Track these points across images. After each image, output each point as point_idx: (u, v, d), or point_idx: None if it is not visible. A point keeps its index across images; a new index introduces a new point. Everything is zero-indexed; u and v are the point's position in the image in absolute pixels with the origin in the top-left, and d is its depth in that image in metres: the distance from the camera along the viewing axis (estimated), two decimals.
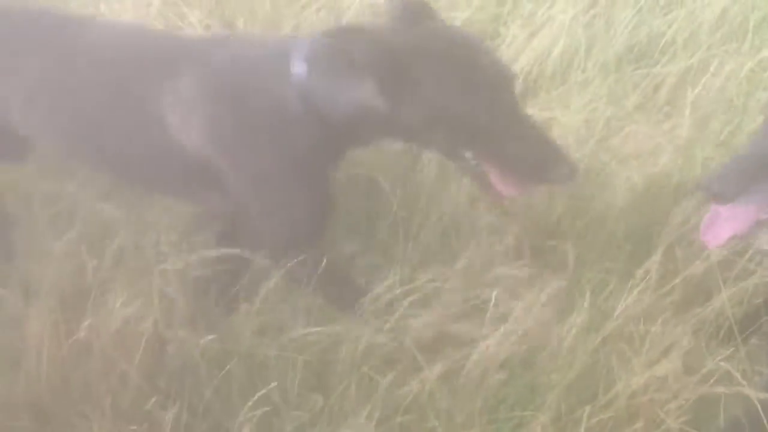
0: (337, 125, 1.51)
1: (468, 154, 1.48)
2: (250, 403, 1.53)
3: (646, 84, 2.25)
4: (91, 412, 1.57)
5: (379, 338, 1.59)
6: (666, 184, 1.87)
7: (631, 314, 1.63)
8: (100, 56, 1.64)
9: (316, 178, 1.60)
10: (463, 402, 1.58)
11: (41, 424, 1.59)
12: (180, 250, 1.68)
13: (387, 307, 1.61)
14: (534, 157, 1.44)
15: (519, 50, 2.31)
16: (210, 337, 1.58)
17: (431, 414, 1.57)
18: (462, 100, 1.42)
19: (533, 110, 2.06)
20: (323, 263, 1.60)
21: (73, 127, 1.67)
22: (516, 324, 1.61)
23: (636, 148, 1.96)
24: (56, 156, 1.88)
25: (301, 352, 1.65)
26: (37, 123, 1.69)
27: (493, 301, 1.60)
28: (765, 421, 1.40)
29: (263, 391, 1.52)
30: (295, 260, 1.58)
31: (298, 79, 1.49)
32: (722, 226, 1.34)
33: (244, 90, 1.53)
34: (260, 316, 1.65)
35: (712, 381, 1.51)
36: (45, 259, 1.67)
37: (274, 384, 1.59)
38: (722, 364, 1.52)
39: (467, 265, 1.72)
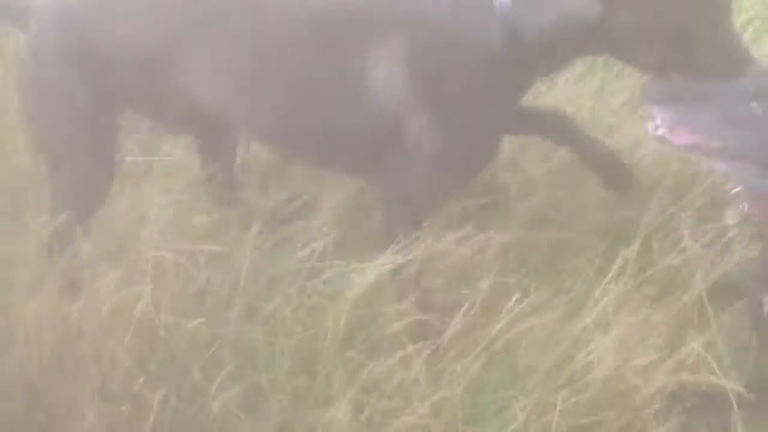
0: (539, 50, 1.50)
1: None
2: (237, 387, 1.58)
3: (633, 83, 2.28)
4: (81, 394, 1.61)
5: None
6: (645, 177, 1.91)
7: (610, 303, 1.66)
8: (296, 21, 1.60)
9: (507, 115, 1.63)
10: (446, 386, 1.62)
11: (33, 405, 1.64)
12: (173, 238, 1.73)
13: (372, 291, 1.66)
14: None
15: None
16: (198, 320, 1.62)
17: (415, 398, 1.61)
18: (685, 3, 1.41)
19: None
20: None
21: (265, 99, 1.63)
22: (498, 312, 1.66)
23: (618, 142, 2.00)
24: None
25: (289, 338, 1.70)
26: (225, 95, 1.64)
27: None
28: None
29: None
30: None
31: (501, 10, 1.49)
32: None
33: (447, 32, 1.53)
34: (247, 300, 1.70)
35: (685, 366, 1.56)
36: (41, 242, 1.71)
37: (261, 368, 1.65)
38: (699, 351, 1.57)
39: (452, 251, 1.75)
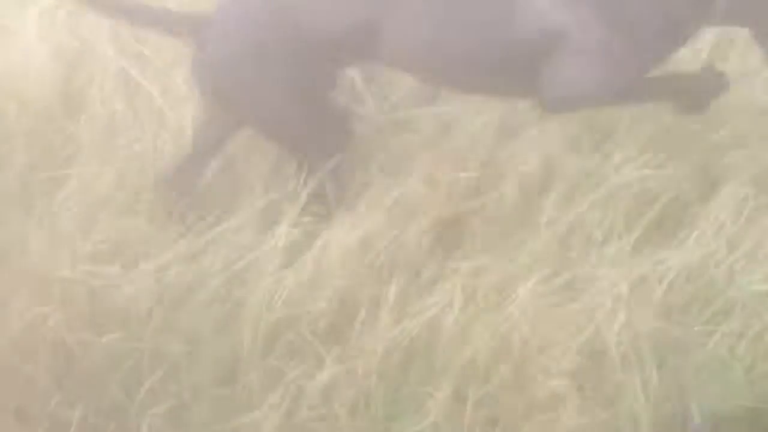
0: None
1: None
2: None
3: None
4: None
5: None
6: (550, 176, 1.99)
7: (522, 296, 1.73)
8: None
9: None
10: (365, 386, 1.66)
11: None
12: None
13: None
14: None
15: None
16: (113, 335, 1.62)
17: (335, 399, 1.64)
18: None
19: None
20: None
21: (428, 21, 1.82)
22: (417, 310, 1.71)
23: (527, 144, 2.08)
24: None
25: (209, 348, 1.71)
26: (412, 48, 1.83)
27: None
28: None
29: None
30: None
31: None
32: None
33: None
34: (166, 314, 1.70)
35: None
36: None
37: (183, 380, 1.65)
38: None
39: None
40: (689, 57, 2.05)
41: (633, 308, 1.68)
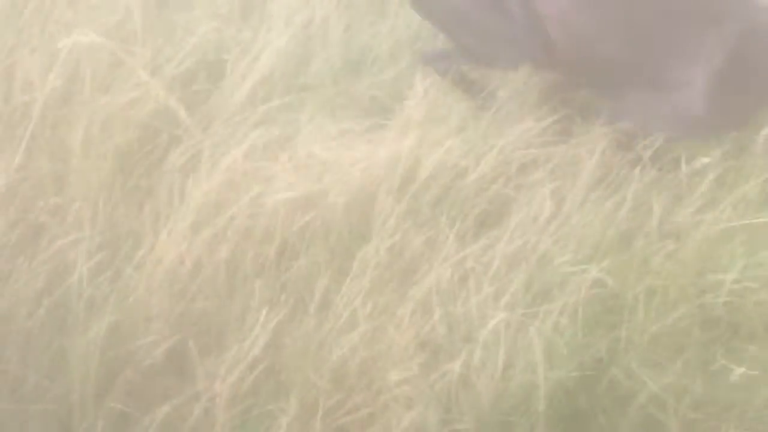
0: None
1: None
2: None
3: (361, 95, 2.44)
4: None
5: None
6: (379, 182, 2.06)
7: (358, 299, 1.77)
8: None
9: None
10: (212, 412, 1.63)
11: None
12: None
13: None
14: None
15: (245, 74, 2.42)
16: None
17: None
18: None
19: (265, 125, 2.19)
20: None
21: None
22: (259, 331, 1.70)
23: (353, 152, 2.13)
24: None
25: (38, 402, 1.61)
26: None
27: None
28: None
29: None
30: None
31: None
32: None
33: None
34: None
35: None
36: None
37: None
38: None
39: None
40: None
41: (463, 299, 1.78)
